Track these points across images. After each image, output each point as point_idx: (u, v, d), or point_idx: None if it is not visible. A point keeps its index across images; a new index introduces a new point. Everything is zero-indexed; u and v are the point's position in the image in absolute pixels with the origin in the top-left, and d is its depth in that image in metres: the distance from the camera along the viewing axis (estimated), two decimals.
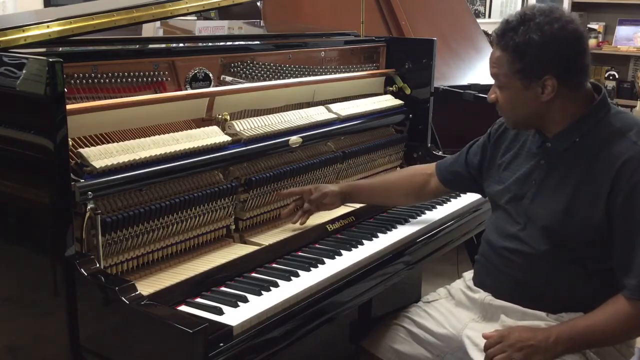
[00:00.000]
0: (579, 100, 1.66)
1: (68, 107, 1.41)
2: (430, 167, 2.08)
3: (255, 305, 1.50)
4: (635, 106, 6.90)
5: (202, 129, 1.79)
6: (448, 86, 3.12)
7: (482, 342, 1.68)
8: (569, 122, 1.66)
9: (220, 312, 1.45)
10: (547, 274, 1.69)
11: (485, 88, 2.85)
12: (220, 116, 1.87)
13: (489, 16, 7.17)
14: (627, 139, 1.60)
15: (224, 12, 3.74)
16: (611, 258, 1.62)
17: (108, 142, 1.59)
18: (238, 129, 1.87)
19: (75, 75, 1.62)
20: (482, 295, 1.82)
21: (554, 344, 1.60)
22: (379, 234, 1.97)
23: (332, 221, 2.00)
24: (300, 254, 1.82)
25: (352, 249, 1.85)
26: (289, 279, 1.64)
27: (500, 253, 1.78)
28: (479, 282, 1.86)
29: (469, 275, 1.93)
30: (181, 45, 2.19)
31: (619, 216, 1.58)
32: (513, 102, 1.67)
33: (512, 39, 1.60)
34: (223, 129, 1.85)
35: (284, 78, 2.18)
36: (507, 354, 1.60)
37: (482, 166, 1.92)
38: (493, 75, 1.69)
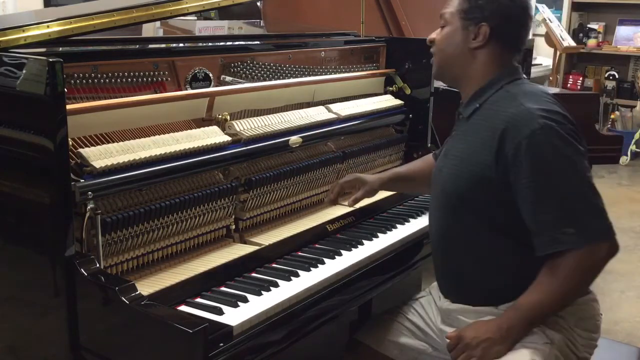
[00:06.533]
0: (500, 63, 1.71)
1: (68, 107, 1.41)
2: None
3: (255, 305, 1.50)
4: (635, 106, 6.90)
5: (202, 129, 1.79)
6: (448, 86, 3.11)
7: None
8: (480, 85, 1.71)
9: (220, 312, 1.45)
10: (479, 259, 1.69)
11: None
12: (220, 116, 1.87)
13: None
14: (515, 101, 1.63)
15: (224, 12, 3.74)
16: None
17: (108, 142, 1.59)
18: (238, 129, 1.87)
19: (75, 75, 1.62)
20: (442, 302, 1.83)
21: (508, 331, 1.59)
22: (379, 234, 1.97)
23: (332, 221, 2.01)
24: (300, 254, 1.82)
25: (352, 249, 1.85)
26: (289, 279, 1.64)
27: (435, 247, 1.81)
28: (438, 287, 1.87)
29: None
30: (181, 45, 2.19)
31: (511, 176, 1.58)
32: (447, 40, 1.75)
33: None
34: (223, 129, 1.85)
35: (284, 78, 2.18)
36: (467, 354, 1.59)
37: None
38: (441, 15, 1.76)
